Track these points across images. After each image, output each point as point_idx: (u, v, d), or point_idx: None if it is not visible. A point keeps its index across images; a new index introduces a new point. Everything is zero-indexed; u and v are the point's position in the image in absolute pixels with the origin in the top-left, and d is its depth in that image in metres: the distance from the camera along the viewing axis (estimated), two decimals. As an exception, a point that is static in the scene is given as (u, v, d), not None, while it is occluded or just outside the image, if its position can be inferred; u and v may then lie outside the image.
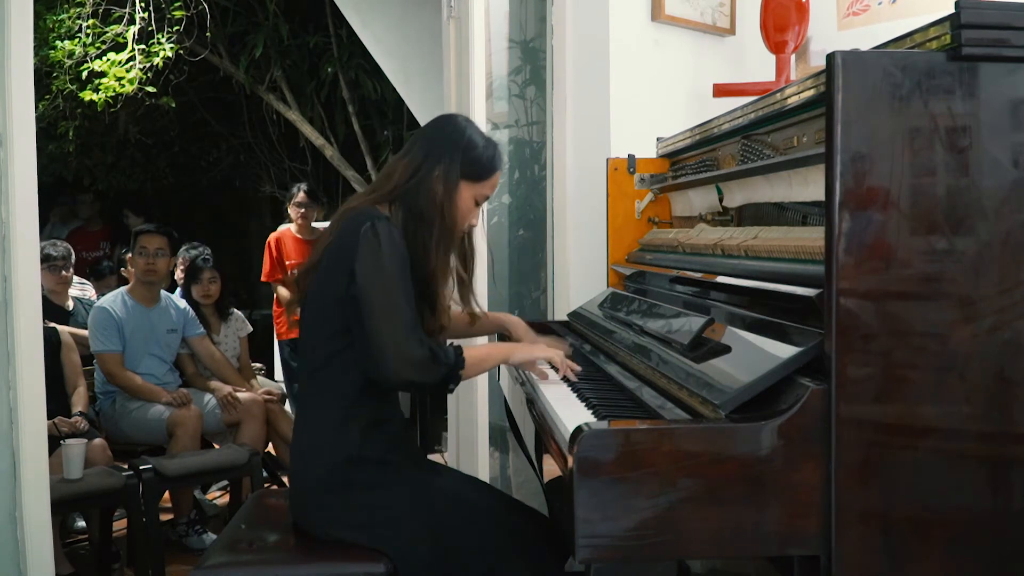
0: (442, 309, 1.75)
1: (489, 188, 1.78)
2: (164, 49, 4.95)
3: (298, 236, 4.42)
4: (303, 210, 4.36)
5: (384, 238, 1.59)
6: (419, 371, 1.59)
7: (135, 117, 6.00)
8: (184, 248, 4.11)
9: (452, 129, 1.77)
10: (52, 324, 3.29)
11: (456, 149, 1.72)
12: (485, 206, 1.96)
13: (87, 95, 4.92)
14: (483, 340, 2.76)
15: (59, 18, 5.05)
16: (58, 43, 4.96)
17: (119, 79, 4.87)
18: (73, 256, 3.91)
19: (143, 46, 4.97)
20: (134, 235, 3.53)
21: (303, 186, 4.44)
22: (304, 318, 1.72)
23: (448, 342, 1.73)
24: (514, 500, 1.88)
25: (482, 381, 2.77)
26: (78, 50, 4.95)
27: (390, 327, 1.57)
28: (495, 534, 1.62)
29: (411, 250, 1.67)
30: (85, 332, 3.46)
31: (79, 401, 3.25)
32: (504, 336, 2.19)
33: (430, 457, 3.87)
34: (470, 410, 2.83)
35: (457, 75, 2.82)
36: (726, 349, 1.46)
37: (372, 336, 1.57)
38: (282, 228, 4.54)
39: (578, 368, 1.81)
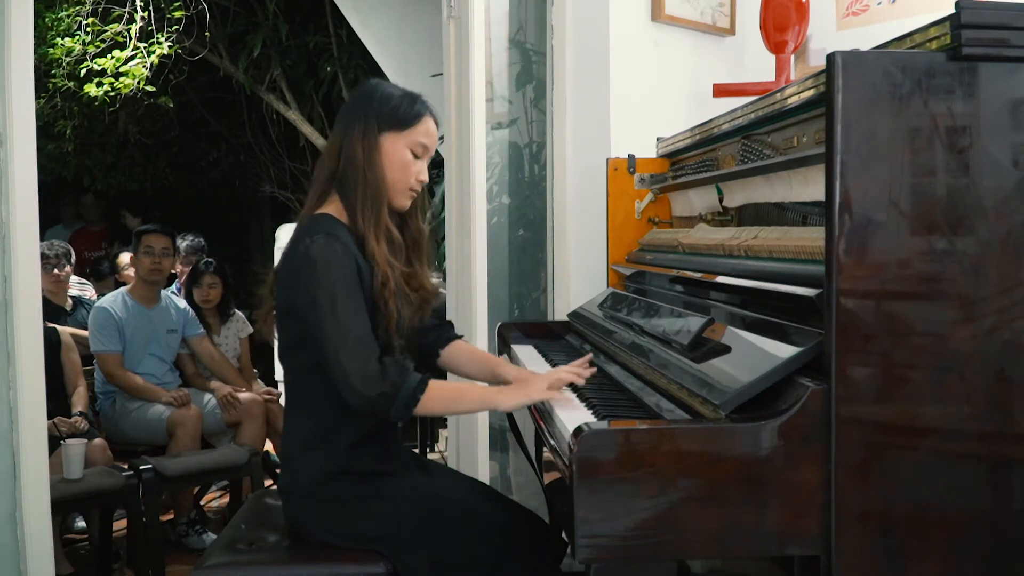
0: (383, 272, 1.60)
1: (422, 135, 1.68)
2: (162, 47, 4.95)
3: None
4: None
5: (320, 257, 1.53)
6: (363, 384, 1.49)
7: (135, 117, 6.00)
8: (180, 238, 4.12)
9: (363, 92, 1.72)
10: (52, 324, 3.30)
11: (369, 108, 1.66)
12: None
13: (89, 88, 4.92)
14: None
15: (58, 16, 5.05)
16: (57, 40, 4.95)
17: (123, 75, 4.87)
18: (72, 255, 3.91)
19: (143, 44, 4.97)
20: (136, 235, 3.52)
21: None
22: (276, 326, 1.70)
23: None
24: (510, 500, 1.88)
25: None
26: (77, 48, 4.95)
27: (332, 345, 1.51)
28: (492, 536, 1.61)
29: (351, 221, 1.64)
30: (85, 332, 3.46)
31: (79, 401, 3.26)
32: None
33: (429, 456, 3.86)
34: (470, 410, 2.83)
35: (457, 75, 2.82)
36: (726, 349, 1.46)
37: (325, 360, 1.53)
38: None
39: (589, 372, 1.66)
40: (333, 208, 1.67)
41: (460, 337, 1.91)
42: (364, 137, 1.65)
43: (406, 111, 1.67)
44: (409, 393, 1.52)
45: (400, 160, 1.67)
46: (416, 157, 1.69)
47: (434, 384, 1.56)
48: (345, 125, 1.69)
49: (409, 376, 1.53)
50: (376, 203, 1.64)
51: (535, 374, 1.82)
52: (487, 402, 1.65)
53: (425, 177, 1.72)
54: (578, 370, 1.67)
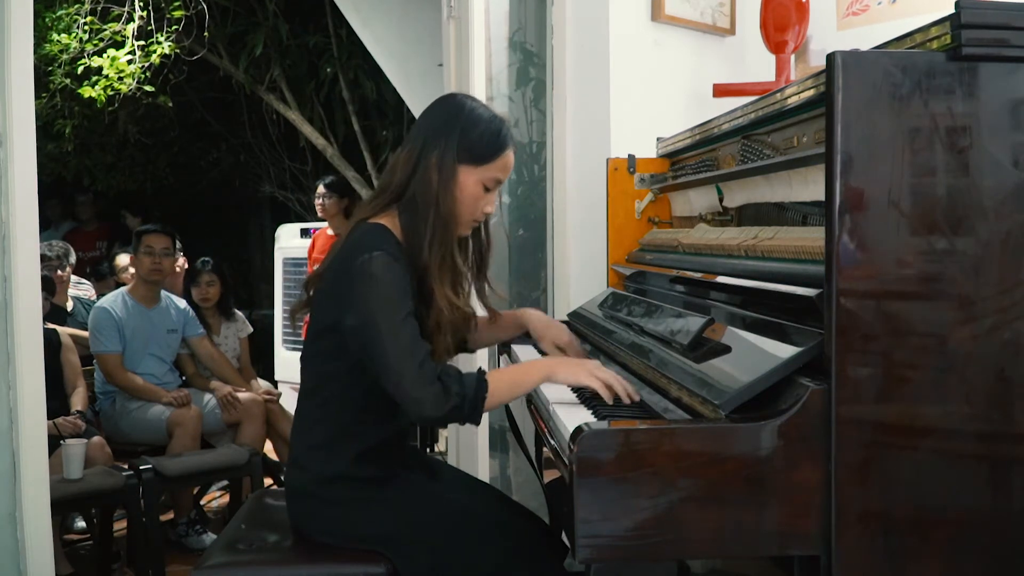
0: (438, 309, 1.60)
1: (499, 170, 1.62)
2: (162, 47, 4.94)
3: (328, 232, 4.41)
4: (319, 201, 4.26)
5: (380, 274, 1.49)
6: (433, 408, 1.48)
7: (135, 117, 5.99)
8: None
9: (450, 108, 1.63)
10: (52, 325, 3.30)
11: (453, 130, 1.58)
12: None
13: (86, 91, 4.91)
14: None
15: (57, 15, 5.05)
16: (54, 35, 4.94)
17: (119, 72, 4.86)
18: (72, 256, 3.91)
19: (142, 42, 4.97)
20: (137, 235, 3.52)
21: (324, 179, 4.39)
22: (309, 328, 1.68)
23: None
24: (512, 501, 1.88)
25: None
26: (75, 45, 4.94)
27: (396, 371, 1.48)
28: (494, 537, 1.62)
29: (410, 248, 1.59)
30: (85, 333, 3.46)
31: (78, 401, 3.26)
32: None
33: (429, 455, 3.87)
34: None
35: (457, 75, 2.82)
36: (726, 349, 1.46)
37: (384, 382, 1.50)
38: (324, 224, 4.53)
39: (637, 397, 1.56)
40: (390, 221, 1.62)
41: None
42: (441, 166, 1.58)
43: (488, 145, 1.60)
44: (474, 396, 1.50)
45: (471, 195, 1.61)
46: (487, 190, 1.63)
47: (492, 378, 1.54)
48: (424, 140, 1.61)
49: (467, 380, 1.51)
50: (445, 238, 1.59)
51: (557, 326, 1.90)
52: (545, 375, 1.60)
53: (491, 208, 1.66)
54: (629, 389, 1.57)
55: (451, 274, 1.63)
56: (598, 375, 1.57)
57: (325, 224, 4.44)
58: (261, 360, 4.76)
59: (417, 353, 1.49)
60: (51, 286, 3.56)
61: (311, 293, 1.67)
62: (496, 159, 1.62)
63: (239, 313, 3.91)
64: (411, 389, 1.48)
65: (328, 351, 1.59)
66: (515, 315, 1.96)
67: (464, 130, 1.59)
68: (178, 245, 4.29)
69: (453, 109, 1.63)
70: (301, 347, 1.73)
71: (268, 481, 3.38)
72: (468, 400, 1.50)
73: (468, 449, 2.84)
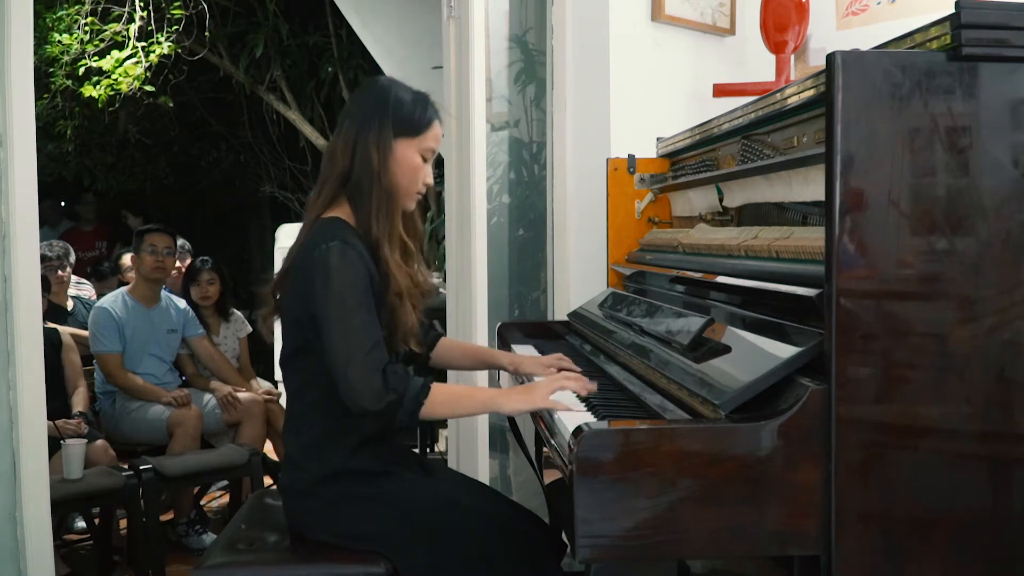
0: (395, 280, 1.62)
1: (432, 140, 1.70)
2: (161, 47, 4.94)
3: None
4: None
5: (335, 264, 1.54)
6: (371, 399, 1.51)
7: (135, 117, 5.99)
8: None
9: (377, 92, 1.70)
10: (52, 325, 3.30)
11: (384, 111, 1.66)
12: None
13: (87, 90, 4.91)
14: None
15: (57, 15, 5.05)
16: (55, 36, 4.94)
17: (126, 75, 4.86)
18: (72, 255, 3.91)
19: (143, 43, 4.97)
20: (138, 234, 3.52)
21: None
22: (282, 328, 1.70)
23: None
24: (510, 500, 1.88)
25: (482, 381, 2.77)
26: (76, 46, 4.94)
27: (341, 358, 1.52)
28: (493, 536, 1.62)
29: (362, 227, 1.63)
30: (85, 332, 3.46)
31: (79, 401, 3.26)
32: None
33: (429, 456, 3.86)
34: (470, 410, 2.82)
35: (457, 75, 2.82)
36: (726, 349, 1.46)
37: (331, 369, 1.54)
38: None
39: (592, 387, 1.65)
40: (343, 212, 1.66)
41: (443, 335, 1.96)
42: (379, 143, 1.64)
43: (420, 117, 1.68)
44: (413, 399, 1.54)
45: (411, 166, 1.68)
46: (424, 161, 1.70)
47: (436, 388, 1.57)
48: (359, 125, 1.66)
49: (412, 382, 1.55)
50: (390, 210, 1.65)
51: (528, 358, 1.89)
52: (490, 405, 1.67)
53: (431, 180, 1.73)
54: (582, 382, 1.65)
55: (400, 244, 1.67)
56: (551, 389, 1.60)
57: None
58: (261, 360, 4.75)
59: (366, 341, 1.53)
60: (46, 283, 3.55)
61: (277, 297, 1.70)
62: (429, 129, 1.69)
63: (238, 313, 3.90)
64: (353, 376, 1.51)
65: (305, 347, 1.61)
66: (491, 351, 2.02)
67: (395, 108, 1.66)
68: (187, 246, 4.30)
69: (380, 91, 1.69)
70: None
71: (268, 481, 3.37)
72: (407, 399, 1.53)
73: (468, 449, 2.84)
